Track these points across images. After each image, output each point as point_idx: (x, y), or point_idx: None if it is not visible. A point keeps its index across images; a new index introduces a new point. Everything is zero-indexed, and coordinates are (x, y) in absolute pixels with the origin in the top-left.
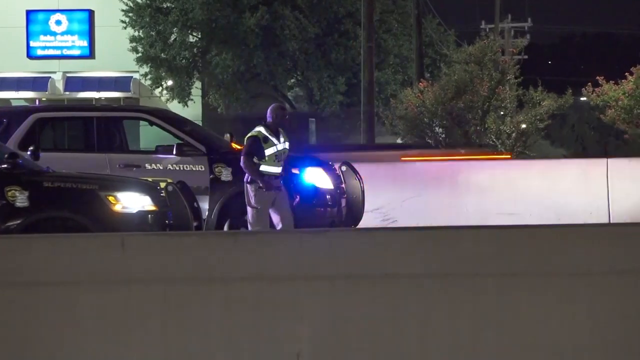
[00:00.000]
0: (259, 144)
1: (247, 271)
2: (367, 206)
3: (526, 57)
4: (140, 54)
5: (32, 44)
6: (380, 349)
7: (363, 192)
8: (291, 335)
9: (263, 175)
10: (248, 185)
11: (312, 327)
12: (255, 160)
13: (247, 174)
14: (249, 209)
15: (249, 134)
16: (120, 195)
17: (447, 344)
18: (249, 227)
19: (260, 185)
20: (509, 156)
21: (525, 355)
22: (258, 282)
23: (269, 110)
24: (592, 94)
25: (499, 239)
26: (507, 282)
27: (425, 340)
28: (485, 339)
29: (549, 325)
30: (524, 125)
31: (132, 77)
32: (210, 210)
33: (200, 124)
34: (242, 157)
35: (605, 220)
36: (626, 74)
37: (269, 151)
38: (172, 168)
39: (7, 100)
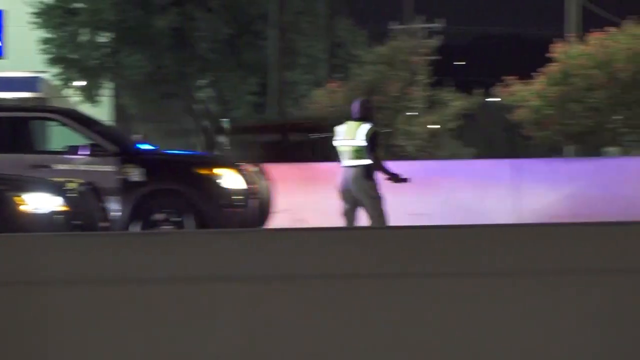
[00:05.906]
0: (381, 138)
1: (166, 272)
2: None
3: (439, 57)
4: (52, 55)
5: None
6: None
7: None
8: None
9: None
10: (367, 180)
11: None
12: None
13: (367, 169)
14: (372, 202)
15: (372, 130)
16: (28, 196)
17: (445, 344)
18: (373, 220)
19: (391, 178)
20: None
21: (524, 355)
22: (180, 282)
23: (358, 105)
24: (504, 92)
25: (489, 238)
26: (504, 282)
27: (424, 339)
28: (484, 340)
29: (547, 325)
30: (434, 126)
31: (41, 77)
32: (121, 210)
33: (112, 124)
34: (373, 152)
35: (516, 221)
36: (532, 74)
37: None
38: (82, 168)
39: None
